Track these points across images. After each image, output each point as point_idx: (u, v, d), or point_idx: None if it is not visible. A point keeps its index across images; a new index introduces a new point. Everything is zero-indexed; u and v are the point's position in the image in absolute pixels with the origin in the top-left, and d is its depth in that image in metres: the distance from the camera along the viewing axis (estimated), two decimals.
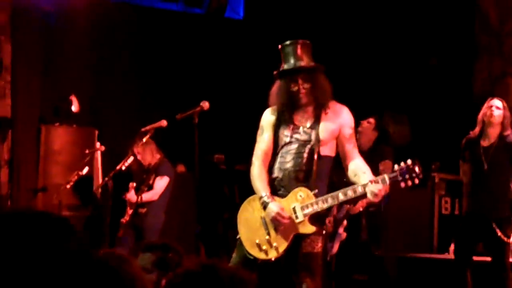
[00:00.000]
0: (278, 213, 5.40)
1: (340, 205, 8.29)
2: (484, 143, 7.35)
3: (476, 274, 7.49)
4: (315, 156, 5.45)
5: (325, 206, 5.41)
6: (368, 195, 5.26)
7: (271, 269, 5.73)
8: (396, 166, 5.32)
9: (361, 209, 8.20)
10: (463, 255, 7.42)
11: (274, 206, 5.42)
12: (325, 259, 8.30)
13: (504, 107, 7.34)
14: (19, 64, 9.93)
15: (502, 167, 7.27)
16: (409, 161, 5.30)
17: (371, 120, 8.43)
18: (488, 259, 7.34)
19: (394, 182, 5.31)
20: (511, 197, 7.29)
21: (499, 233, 7.13)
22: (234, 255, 5.68)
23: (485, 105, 7.40)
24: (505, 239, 7.14)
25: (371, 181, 5.25)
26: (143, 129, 7.65)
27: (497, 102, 7.36)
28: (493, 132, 7.31)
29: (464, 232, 7.49)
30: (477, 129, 7.42)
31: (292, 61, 5.54)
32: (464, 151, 7.55)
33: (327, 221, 7.82)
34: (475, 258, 7.52)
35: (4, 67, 9.67)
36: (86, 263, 1.27)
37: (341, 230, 8.42)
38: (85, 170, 8.97)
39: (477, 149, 7.37)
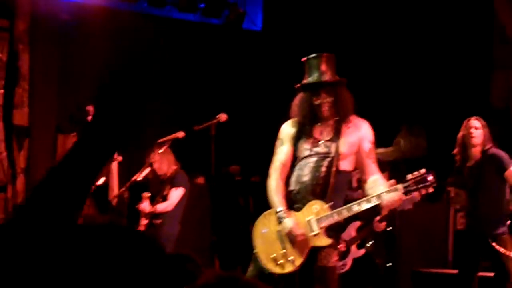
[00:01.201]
0: (292, 229, 5.40)
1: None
2: (469, 163, 7.39)
3: None
4: (333, 170, 5.44)
5: (340, 218, 5.41)
6: (383, 204, 5.26)
7: (286, 283, 5.72)
8: (409, 176, 5.32)
9: (383, 227, 8.20)
10: (466, 273, 7.44)
11: (289, 221, 5.42)
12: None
13: (482, 125, 7.37)
14: (37, 73, 9.98)
15: (490, 182, 7.28)
16: (422, 170, 5.30)
17: None
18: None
19: (407, 191, 5.30)
20: (504, 210, 7.29)
21: (498, 248, 7.13)
22: (250, 268, 5.67)
23: (463, 126, 7.45)
24: (506, 253, 7.14)
25: (386, 191, 5.25)
26: (160, 140, 7.67)
27: (475, 123, 7.41)
28: (475, 151, 7.36)
29: (465, 250, 7.54)
30: (456, 150, 7.48)
31: (316, 74, 5.54)
32: (459, 178, 7.66)
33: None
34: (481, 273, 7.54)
35: (22, 76, 9.71)
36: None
37: (354, 247, 8.43)
38: (101, 180, 8.98)
39: (464, 171, 7.44)
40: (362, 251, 8.52)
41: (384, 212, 5.38)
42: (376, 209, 8.47)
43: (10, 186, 9.55)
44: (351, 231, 8.49)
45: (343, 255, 8.28)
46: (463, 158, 7.46)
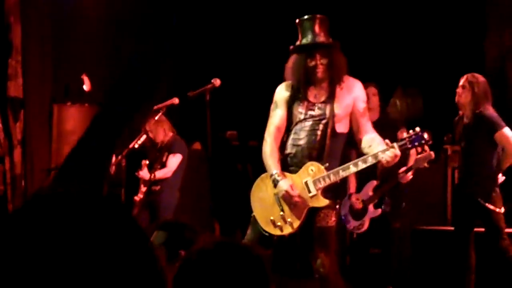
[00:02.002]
0: (287, 191, 5.42)
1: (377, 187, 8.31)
2: (464, 121, 7.42)
3: (480, 246, 7.54)
4: (329, 132, 5.46)
5: (337, 178, 5.43)
6: (382, 162, 5.28)
7: (286, 245, 5.76)
8: (404, 134, 5.36)
9: (411, 177, 8.20)
10: (462, 230, 7.50)
11: (284, 183, 5.44)
12: (343, 234, 8.35)
13: (471, 82, 7.34)
14: (30, 44, 9.93)
15: (479, 144, 7.30)
16: (417, 128, 5.32)
17: (372, 88, 8.22)
18: None
19: (404, 150, 5.33)
20: (494, 171, 7.32)
21: (489, 206, 7.17)
22: (248, 231, 5.70)
23: None
24: (496, 209, 7.18)
25: (382, 151, 5.27)
26: (155, 107, 7.65)
27: (461, 81, 7.39)
28: (466, 112, 7.37)
29: (459, 208, 7.60)
30: (460, 111, 7.53)
31: (310, 36, 5.53)
32: (454, 131, 7.69)
33: (354, 198, 7.90)
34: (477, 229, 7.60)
35: (15, 48, 9.67)
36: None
37: (371, 207, 8.40)
38: None
39: (460, 128, 7.47)
40: (379, 211, 8.49)
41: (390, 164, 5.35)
42: (398, 164, 8.42)
43: (7, 158, 9.55)
44: (368, 190, 8.45)
45: (361, 215, 8.25)
46: (462, 115, 7.49)
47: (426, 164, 8.12)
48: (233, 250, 2.25)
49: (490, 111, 7.28)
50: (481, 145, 7.31)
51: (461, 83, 7.40)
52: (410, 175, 8.31)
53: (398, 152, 5.26)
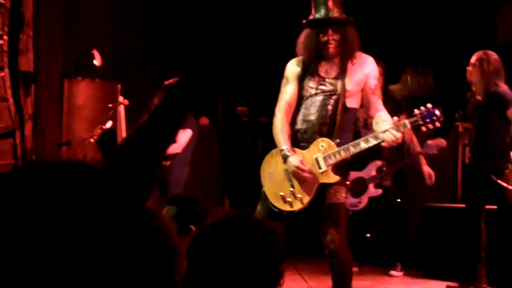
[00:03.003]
0: (297, 167, 5.42)
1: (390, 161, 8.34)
2: (477, 98, 7.40)
3: (490, 222, 7.55)
4: (340, 107, 5.45)
5: (347, 155, 5.42)
6: (387, 140, 5.25)
7: (295, 221, 5.77)
8: (416, 111, 5.34)
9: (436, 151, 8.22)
10: (473, 207, 7.50)
11: (294, 159, 5.44)
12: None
13: (481, 60, 7.32)
14: (41, 18, 9.91)
15: (492, 120, 7.30)
16: (429, 105, 5.31)
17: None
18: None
19: (415, 126, 5.32)
20: (507, 147, 7.31)
21: (501, 183, 7.17)
22: (258, 207, 5.71)
23: None
24: (509, 187, 7.19)
25: (392, 128, 5.25)
26: (166, 83, 7.64)
27: (472, 59, 7.38)
28: (478, 89, 7.37)
29: (471, 185, 7.60)
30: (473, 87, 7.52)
31: (323, 11, 5.51)
32: (466, 108, 7.68)
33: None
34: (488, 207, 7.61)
35: (26, 22, 9.65)
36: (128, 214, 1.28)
37: (371, 186, 8.44)
38: (109, 124, 8.98)
39: (472, 105, 7.46)
40: (380, 191, 8.53)
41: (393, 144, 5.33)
42: (402, 152, 8.40)
43: (18, 132, 9.56)
44: (371, 169, 8.50)
45: (360, 193, 8.30)
46: (474, 92, 7.48)
47: (436, 151, 8.12)
48: (246, 224, 2.26)
49: (503, 88, 7.27)
50: (494, 122, 7.30)
51: (471, 61, 7.38)
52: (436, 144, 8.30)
53: (399, 135, 5.24)
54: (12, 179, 1.26)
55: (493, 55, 7.40)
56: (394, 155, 8.52)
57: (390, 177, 8.67)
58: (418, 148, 8.51)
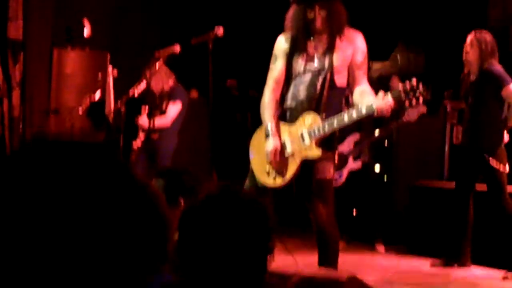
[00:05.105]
0: (270, 151, 5.44)
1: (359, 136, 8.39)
2: (471, 78, 7.42)
3: (479, 203, 7.59)
4: (327, 84, 5.44)
5: (332, 129, 5.41)
6: (382, 107, 5.21)
7: (284, 196, 5.78)
8: (400, 85, 5.30)
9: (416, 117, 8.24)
10: (463, 186, 7.53)
11: (271, 143, 5.46)
12: None
13: (479, 39, 7.34)
14: None
15: (487, 99, 7.32)
16: (413, 80, 5.28)
17: None
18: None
19: (398, 101, 5.28)
20: (501, 126, 7.33)
21: (493, 163, 7.20)
22: (246, 182, 5.72)
23: None
24: (501, 168, 7.21)
25: (376, 100, 5.22)
26: (156, 53, 7.61)
27: (469, 38, 7.39)
28: (473, 69, 7.39)
29: (462, 165, 7.62)
30: (466, 68, 7.53)
31: None
32: (460, 88, 7.69)
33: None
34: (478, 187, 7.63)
35: None
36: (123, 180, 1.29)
37: (350, 159, 8.52)
38: (97, 94, 8.96)
39: (466, 85, 7.47)
40: (359, 164, 8.63)
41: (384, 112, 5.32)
42: (377, 122, 8.50)
43: (5, 100, 9.51)
44: (349, 143, 8.57)
45: (340, 167, 8.37)
46: (468, 72, 7.49)
47: (416, 117, 8.15)
48: (237, 198, 2.26)
49: (497, 66, 7.28)
50: (488, 101, 7.31)
51: (468, 40, 7.39)
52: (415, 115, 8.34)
53: (392, 102, 5.21)
54: (18, 158, 1.28)
55: (489, 35, 7.42)
56: (370, 128, 8.62)
57: (367, 151, 8.76)
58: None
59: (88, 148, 1.29)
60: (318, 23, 5.46)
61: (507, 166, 7.30)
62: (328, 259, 5.49)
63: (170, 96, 8.46)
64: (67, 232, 1.19)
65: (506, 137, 7.38)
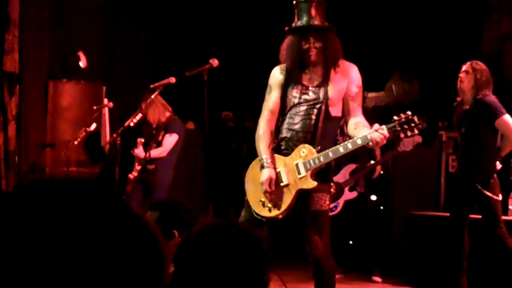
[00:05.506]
0: (265, 182, 5.44)
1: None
2: (464, 107, 7.44)
3: (474, 232, 7.58)
4: (322, 115, 5.45)
5: (327, 160, 5.41)
6: (376, 139, 5.21)
7: (278, 228, 5.78)
8: (395, 117, 5.31)
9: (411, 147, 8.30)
10: (458, 216, 7.52)
11: (265, 174, 5.46)
12: None
13: (475, 69, 7.36)
14: (27, 18, 9.89)
15: (479, 130, 7.32)
16: (408, 112, 5.29)
17: None
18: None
19: (393, 132, 5.28)
20: (494, 157, 7.34)
21: (487, 193, 7.19)
22: (243, 213, 5.71)
23: None
24: (494, 197, 7.21)
25: (371, 132, 5.24)
26: (151, 86, 7.63)
27: (464, 67, 7.42)
28: (467, 97, 7.39)
29: (456, 194, 7.63)
30: (459, 97, 7.54)
31: (305, 18, 5.51)
32: (453, 117, 7.71)
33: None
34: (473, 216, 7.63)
35: (12, 21, 9.62)
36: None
37: (346, 190, 8.58)
38: (93, 126, 8.97)
39: (459, 113, 7.49)
40: (354, 194, 8.67)
41: (376, 147, 5.36)
42: (371, 153, 8.61)
43: (1, 133, 9.52)
44: (345, 173, 8.63)
45: (336, 197, 8.40)
46: (461, 101, 7.51)
47: (411, 147, 8.18)
48: (233, 232, 2.26)
49: (491, 97, 7.30)
50: (481, 131, 7.32)
51: (464, 68, 7.41)
52: (379, 170, 8.53)
53: (387, 134, 5.22)
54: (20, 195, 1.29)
55: (484, 66, 7.45)
56: (365, 159, 8.68)
57: (363, 182, 8.80)
58: (378, 157, 8.73)
59: (84, 185, 1.30)
60: (313, 55, 5.48)
61: (500, 196, 7.30)
62: None
63: (167, 127, 8.46)
64: (65, 268, 1.19)
65: (498, 166, 7.39)
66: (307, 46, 5.48)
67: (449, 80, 7.79)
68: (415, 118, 5.25)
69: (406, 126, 5.25)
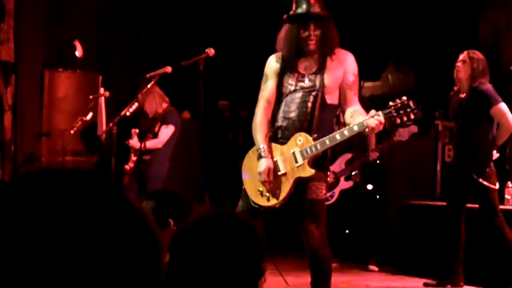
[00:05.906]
0: (263, 171, 5.43)
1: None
2: (460, 96, 7.44)
3: (470, 221, 7.58)
4: (319, 103, 5.44)
5: (323, 148, 5.41)
6: (372, 125, 5.21)
7: (277, 217, 5.77)
8: (390, 103, 5.31)
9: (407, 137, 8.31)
10: (454, 205, 7.53)
11: (263, 164, 5.45)
12: None
13: (471, 58, 7.37)
14: (23, 8, 9.86)
15: (475, 119, 7.33)
16: (403, 97, 5.29)
17: None
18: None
19: (389, 118, 5.29)
20: (490, 146, 7.34)
21: (484, 182, 7.20)
22: (240, 203, 5.70)
23: None
24: (491, 186, 7.22)
25: (367, 118, 5.23)
26: (147, 75, 7.61)
27: (461, 56, 7.42)
28: (464, 86, 7.40)
29: (452, 183, 7.64)
30: (456, 86, 7.54)
31: (305, 6, 5.49)
32: (449, 106, 7.72)
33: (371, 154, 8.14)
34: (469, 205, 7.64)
35: (7, 12, 9.60)
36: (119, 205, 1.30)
37: (342, 179, 8.59)
38: (89, 116, 8.96)
39: (455, 103, 7.49)
40: (350, 183, 8.69)
41: (371, 133, 5.37)
42: (367, 142, 8.62)
43: None
44: (341, 163, 8.64)
45: (332, 186, 8.43)
46: (458, 90, 7.52)
47: (407, 137, 8.19)
48: (229, 222, 2.26)
49: (487, 85, 7.30)
50: (477, 120, 7.32)
51: (461, 58, 7.41)
52: (377, 153, 8.54)
53: (382, 119, 5.22)
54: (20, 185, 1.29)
55: (481, 55, 7.46)
56: (360, 148, 8.69)
57: (359, 171, 8.81)
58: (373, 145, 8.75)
59: (81, 176, 1.30)
60: (312, 43, 5.47)
61: (497, 184, 7.31)
62: (320, 280, 5.48)
63: (164, 119, 8.45)
64: (62, 258, 1.20)
65: (495, 155, 7.39)
66: (307, 34, 5.47)
67: (445, 69, 7.80)
68: (411, 103, 5.26)
69: (402, 111, 5.26)
